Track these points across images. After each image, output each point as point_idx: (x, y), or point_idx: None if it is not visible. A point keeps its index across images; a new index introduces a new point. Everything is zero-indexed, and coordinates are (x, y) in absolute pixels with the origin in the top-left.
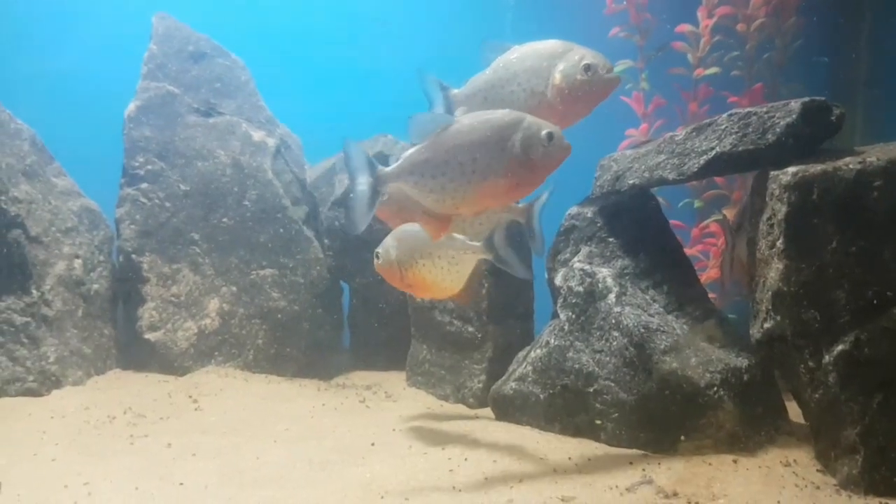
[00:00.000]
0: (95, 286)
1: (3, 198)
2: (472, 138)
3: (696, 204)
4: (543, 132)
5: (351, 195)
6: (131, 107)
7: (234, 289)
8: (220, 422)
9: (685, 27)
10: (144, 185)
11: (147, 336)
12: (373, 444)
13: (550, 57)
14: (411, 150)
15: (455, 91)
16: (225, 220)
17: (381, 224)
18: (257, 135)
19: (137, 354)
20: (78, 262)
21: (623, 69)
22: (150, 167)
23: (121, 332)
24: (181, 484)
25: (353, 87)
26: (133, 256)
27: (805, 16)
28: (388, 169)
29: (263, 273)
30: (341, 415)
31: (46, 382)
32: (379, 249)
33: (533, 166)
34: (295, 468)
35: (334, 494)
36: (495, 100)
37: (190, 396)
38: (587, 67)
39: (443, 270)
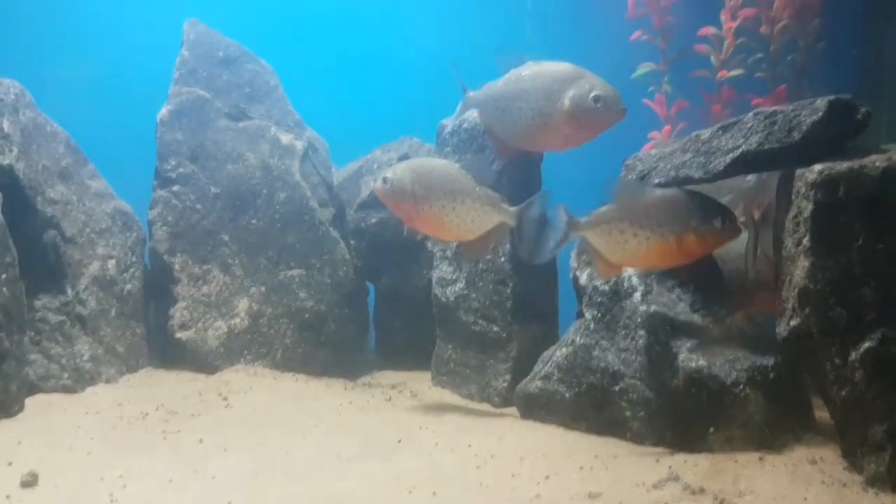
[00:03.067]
0: (128, 286)
1: (39, 199)
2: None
3: None
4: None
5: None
6: (164, 111)
7: (262, 289)
8: (251, 418)
9: (708, 30)
10: (176, 188)
11: (178, 335)
12: (399, 441)
13: (562, 81)
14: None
15: (471, 93)
16: (254, 221)
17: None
18: (286, 138)
19: (169, 353)
20: (112, 263)
21: (645, 72)
22: (181, 170)
23: (152, 331)
24: (214, 477)
25: (377, 90)
26: (165, 257)
27: (829, 17)
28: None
29: (291, 273)
30: (368, 413)
31: (81, 380)
32: (388, 174)
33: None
34: (325, 462)
35: (364, 488)
36: (504, 111)
37: (220, 394)
38: (597, 98)
39: (461, 217)
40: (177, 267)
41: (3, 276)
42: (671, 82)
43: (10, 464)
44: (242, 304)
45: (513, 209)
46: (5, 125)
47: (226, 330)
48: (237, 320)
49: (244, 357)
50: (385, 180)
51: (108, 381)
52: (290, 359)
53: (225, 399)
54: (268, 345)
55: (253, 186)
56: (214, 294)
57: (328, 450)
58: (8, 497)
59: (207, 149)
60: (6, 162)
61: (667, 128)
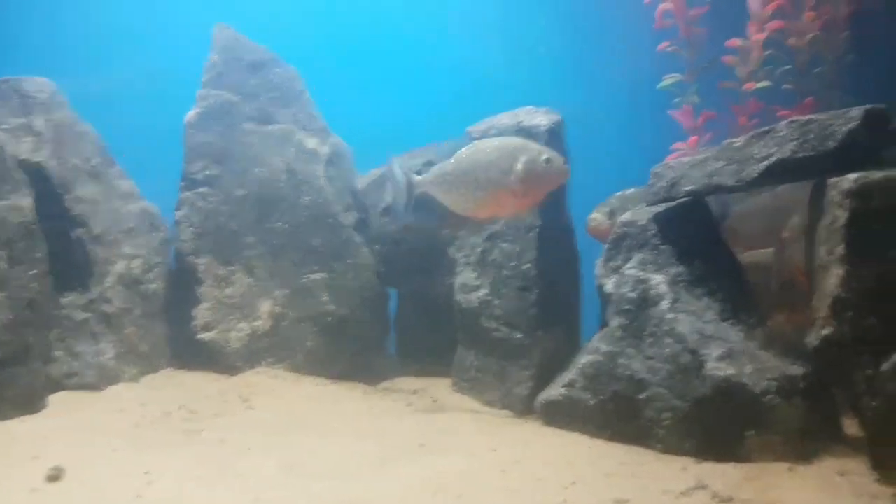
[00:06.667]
0: (153, 286)
1: (68, 196)
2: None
3: None
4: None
5: None
6: (191, 114)
7: (286, 291)
8: (272, 420)
9: (736, 41)
10: (203, 189)
11: (201, 336)
12: (422, 445)
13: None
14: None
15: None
16: (279, 224)
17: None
18: (311, 143)
19: (191, 354)
20: (137, 263)
21: (671, 83)
22: (208, 172)
23: (175, 331)
24: (240, 475)
25: (403, 96)
26: (190, 258)
27: (857, 30)
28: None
29: (314, 277)
30: (389, 417)
31: (104, 378)
32: (546, 155)
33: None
34: (349, 465)
35: (391, 488)
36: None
37: (241, 396)
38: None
39: None
40: (201, 268)
41: (34, 271)
42: (698, 93)
43: (35, 458)
44: (265, 307)
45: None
46: (39, 123)
47: (248, 332)
48: (260, 322)
49: (266, 359)
50: (547, 160)
51: (130, 379)
52: (312, 362)
53: (246, 401)
54: (290, 348)
55: (278, 189)
56: (238, 296)
57: (352, 452)
58: (34, 490)
59: (234, 152)
60: (39, 159)
61: (693, 138)
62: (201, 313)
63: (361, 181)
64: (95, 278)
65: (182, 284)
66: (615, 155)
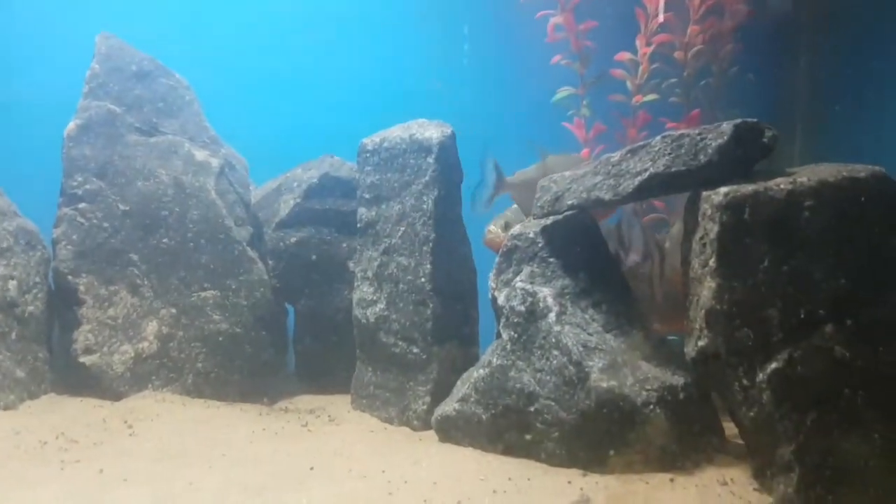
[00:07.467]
0: (31, 308)
1: None
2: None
3: None
4: None
5: None
6: (71, 125)
7: (173, 311)
8: (155, 448)
9: (624, 55)
10: (83, 205)
11: (82, 360)
12: (312, 469)
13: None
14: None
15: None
16: (165, 240)
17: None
18: (200, 154)
19: (73, 379)
20: (13, 284)
21: (565, 96)
22: (88, 186)
23: (56, 355)
24: None
25: (299, 108)
26: (69, 278)
27: (743, 43)
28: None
29: (205, 295)
30: (281, 439)
31: None
32: None
33: None
34: (230, 494)
35: None
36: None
37: (125, 422)
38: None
39: None
40: (81, 288)
41: None
42: (590, 106)
43: None
44: (151, 327)
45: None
46: None
47: (132, 354)
48: (145, 344)
49: (152, 383)
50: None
51: (6, 407)
52: (202, 384)
53: (130, 427)
54: (178, 370)
55: (164, 204)
56: (121, 317)
57: (235, 480)
58: None
59: (116, 165)
60: None
61: (585, 150)
62: (82, 336)
63: (256, 194)
64: None
65: (62, 306)
66: (514, 167)
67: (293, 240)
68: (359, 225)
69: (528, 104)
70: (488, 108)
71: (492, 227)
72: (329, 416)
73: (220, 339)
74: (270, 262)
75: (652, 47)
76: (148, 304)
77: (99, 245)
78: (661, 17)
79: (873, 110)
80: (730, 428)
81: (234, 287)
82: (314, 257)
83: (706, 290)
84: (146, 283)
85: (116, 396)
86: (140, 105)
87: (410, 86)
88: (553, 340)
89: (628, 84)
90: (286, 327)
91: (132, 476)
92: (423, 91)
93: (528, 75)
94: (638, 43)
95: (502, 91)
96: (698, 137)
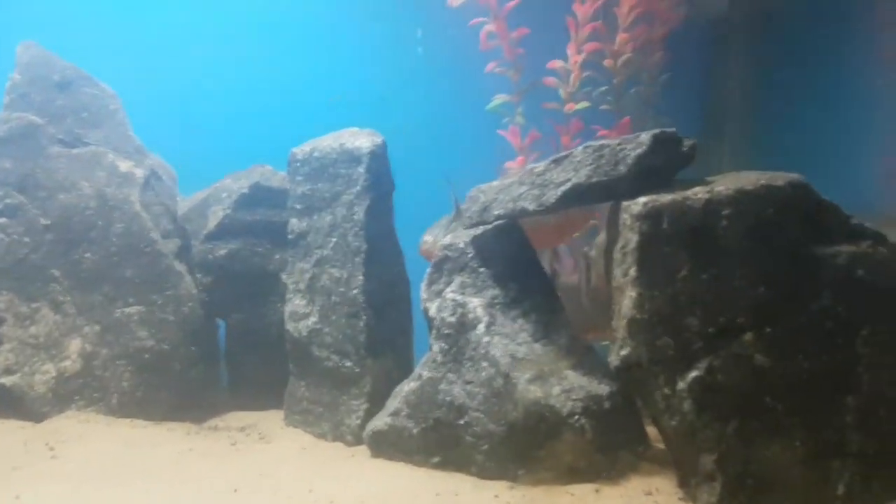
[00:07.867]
0: None
1: None
2: None
3: None
4: None
5: None
6: None
7: (97, 328)
8: (77, 470)
9: (556, 63)
10: (2, 220)
11: (2, 380)
12: (236, 491)
13: None
14: None
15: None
16: (88, 255)
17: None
18: (125, 165)
19: None
20: None
21: (499, 104)
22: (8, 201)
23: None
24: None
25: (229, 116)
26: None
27: (673, 51)
28: None
29: (129, 311)
30: (208, 460)
31: None
32: None
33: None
34: None
35: None
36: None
37: (47, 444)
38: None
39: None
40: (1, 306)
41: None
42: (524, 114)
43: None
44: (74, 346)
45: None
46: None
47: (55, 374)
48: (68, 363)
49: (75, 403)
50: None
51: None
52: (128, 403)
53: (52, 449)
54: (102, 389)
55: (87, 217)
56: (43, 335)
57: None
58: None
59: (38, 178)
60: None
61: (520, 158)
62: (2, 356)
63: (184, 205)
64: None
65: None
66: (450, 176)
67: (223, 252)
68: (290, 236)
69: (472, 111)
70: (429, 115)
71: (427, 238)
72: (260, 433)
73: (147, 356)
74: (199, 275)
75: (583, 55)
76: (71, 321)
77: (19, 261)
78: (588, 26)
79: (803, 114)
80: (656, 434)
81: (160, 302)
82: (245, 270)
83: (627, 300)
84: (69, 299)
85: (39, 418)
86: (63, 115)
87: (345, 95)
88: (482, 352)
89: (561, 92)
90: (217, 342)
91: (51, 501)
92: (355, 101)
93: (468, 82)
94: (569, 51)
95: (442, 99)
96: (618, 148)
